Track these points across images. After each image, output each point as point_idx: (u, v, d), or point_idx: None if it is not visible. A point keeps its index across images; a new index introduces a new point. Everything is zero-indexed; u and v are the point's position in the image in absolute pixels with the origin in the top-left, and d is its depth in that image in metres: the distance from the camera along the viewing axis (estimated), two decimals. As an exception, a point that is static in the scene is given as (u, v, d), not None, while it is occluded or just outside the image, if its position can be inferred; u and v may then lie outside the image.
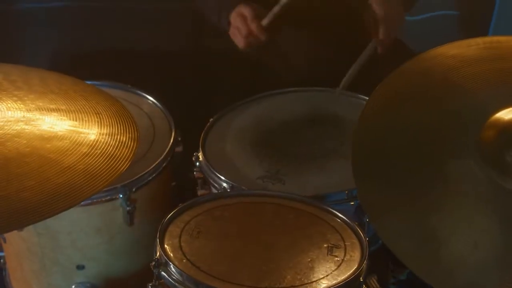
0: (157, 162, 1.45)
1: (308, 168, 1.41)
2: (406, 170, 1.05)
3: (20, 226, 0.89)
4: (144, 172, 1.42)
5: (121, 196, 1.39)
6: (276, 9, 1.62)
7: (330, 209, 1.22)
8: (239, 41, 1.65)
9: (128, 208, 1.40)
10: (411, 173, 1.05)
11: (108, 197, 1.39)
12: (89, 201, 1.38)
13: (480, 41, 1.19)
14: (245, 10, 1.64)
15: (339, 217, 1.21)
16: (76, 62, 2.09)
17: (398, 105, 1.12)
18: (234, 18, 1.66)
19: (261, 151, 1.46)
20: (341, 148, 1.45)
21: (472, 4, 2.44)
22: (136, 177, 1.41)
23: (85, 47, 2.32)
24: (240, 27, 1.63)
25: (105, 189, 1.35)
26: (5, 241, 1.51)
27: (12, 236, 1.46)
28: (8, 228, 0.91)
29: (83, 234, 1.42)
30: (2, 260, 1.61)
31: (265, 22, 1.63)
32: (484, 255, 0.96)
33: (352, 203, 1.33)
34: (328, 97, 1.62)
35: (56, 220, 1.38)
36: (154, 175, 1.45)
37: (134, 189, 1.41)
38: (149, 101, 1.65)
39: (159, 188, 1.49)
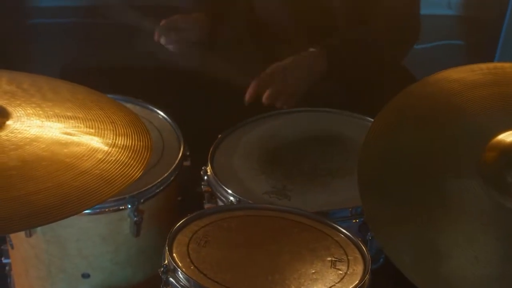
0: (166, 175, 1.48)
1: (313, 185, 1.44)
2: (410, 187, 1.09)
3: (36, 225, 0.92)
4: (153, 184, 1.45)
5: (129, 206, 1.42)
6: None
7: (334, 225, 1.25)
8: None
9: (135, 219, 1.43)
10: (415, 190, 1.08)
11: (117, 207, 1.42)
12: (98, 210, 1.41)
13: (483, 66, 1.24)
14: (180, 16, 1.81)
15: (343, 233, 1.24)
16: (88, 76, 2.13)
17: (403, 126, 1.16)
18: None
19: (268, 167, 1.49)
20: (346, 166, 1.48)
21: (476, 34, 2.50)
22: (145, 188, 1.44)
23: (96, 61, 2.37)
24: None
25: (113, 199, 1.40)
26: (12, 247, 1.53)
27: (20, 243, 1.49)
28: (26, 226, 0.94)
29: (90, 243, 1.44)
30: (7, 267, 1.63)
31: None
32: (485, 271, 0.99)
33: (355, 220, 1.36)
34: (334, 118, 1.66)
35: (65, 227, 1.41)
36: (162, 187, 1.48)
37: (142, 200, 1.44)
38: (159, 116, 1.69)
39: (166, 200, 1.52)
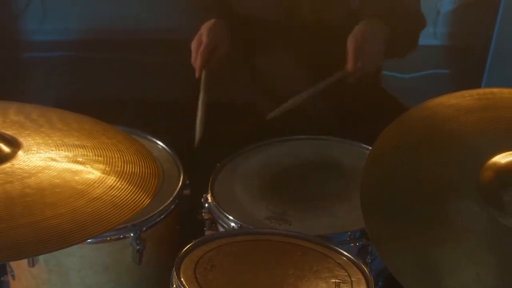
0: (167, 203, 1.51)
1: (312, 211, 1.47)
2: (411, 208, 1.13)
3: (52, 250, 0.94)
4: (154, 213, 1.48)
5: (132, 235, 1.44)
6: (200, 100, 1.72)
7: (336, 248, 1.29)
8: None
9: (138, 247, 1.45)
10: (416, 210, 1.12)
11: (119, 236, 1.44)
12: (100, 239, 1.43)
13: (474, 92, 1.30)
14: (205, 36, 1.73)
15: (345, 255, 1.27)
16: (85, 109, 2.17)
17: (402, 149, 1.21)
18: (197, 35, 1.76)
19: (268, 194, 1.53)
20: (344, 192, 1.52)
21: (462, 63, 2.57)
22: (147, 217, 1.47)
23: (93, 95, 2.40)
24: (193, 49, 1.75)
25: (116, 227, 1.42)
26: (14, 278, 1.54)
27: (22, 273, 1.50)
28: (42, 251, 0.97)
29: (92, 272, 1.46)
30: (7, 299, 1.63)
31: (203, 76, 1.73)
32: (486, 285, 1.03)
33: (354, 244, 1.39)
34: (331, 145, 1.70)
35: (68, 256, 1.43)
36: (163, 216, 1.50)
37: (144, 229, 1.46)
38: (158, 146, 1.73)
39: (167, 228, 1.54)
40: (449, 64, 2.58)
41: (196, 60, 1.74)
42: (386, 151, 1.20)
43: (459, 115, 1.23)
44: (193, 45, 1.76)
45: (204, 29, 1.76)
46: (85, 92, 2.50)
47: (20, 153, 1.13)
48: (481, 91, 1.32)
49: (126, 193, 1.10)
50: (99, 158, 1.16)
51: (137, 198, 1.09)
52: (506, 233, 1.05)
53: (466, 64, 2.57)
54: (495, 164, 1.13)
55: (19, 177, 1.06)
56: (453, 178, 1.14)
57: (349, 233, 1.39)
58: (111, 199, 1.07)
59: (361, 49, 1.66)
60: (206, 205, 1.51)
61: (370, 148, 1.28)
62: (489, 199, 1.09)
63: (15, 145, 1.14)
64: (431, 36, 2.54)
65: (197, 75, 1.74)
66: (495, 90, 1.31)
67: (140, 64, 2.55)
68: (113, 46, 2.58)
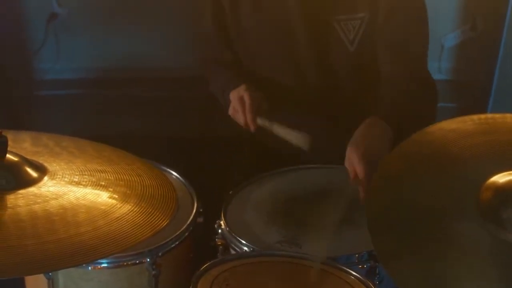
0: (182, 228, 1.56)
1: (322, 234, 1.53)
2: (416, 228, 1.18)
3: (81, 263, 1.01)
4: (170, 238, 1.54)
5: (148, 260, 1.50)
6: (275, 128, 1.70)
7: (344, 268, 1.34)
8: (239, 122, 1.78)
9: (154, 272, 1.50)
10: (420, 230, 1.18)
11: (135, 261, 1.50)
12: (117, 264, 1.49)
13: (475, 117, 1.36)
14: (245, 96, 1.73)
15: (353, 275, 1.33)
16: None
17: (406, 171, 1.27)
18: (234, 99, 1.76)
19: (278, 219, 1.59)
20: (352, 216, 1.57)
21: (467, 97, 2.63)
22: (162, 242, 1.52)
23: (106, 131, 2.46)
24: (239, 111, 1.75)
25: (133, 252, 1.48)
26: (33, 304, 1.59)
27: (42, 298, 1.55)
28: (71, 264, 1.03)
29: (109, 296, 1.51)
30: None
31: (259, 122, 1.73)
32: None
33: (362, 266, 1.44)
34: (338, 173, 1.75)
35: (86, 281, 1.48)
36: (177, 242, 1.56)
37: (160, 254, 1.52)
38: (172, 176, 1.79)
39: (182, 254, 1.60)
40: (454, 98, 2.64)
41: (246, 118, 1.74)
42: (391, 174, 1.26)
43: (460, 139, 1.29)
44: (236, 106, 1.76)
45: (242, 91, 1.76)
46: (98, 128, 2.56)
47: (47, 177, 1.20)
48: (482, 116, 1.38)
49: (146, 214, 1.17)
50: (120, 182, 1.23)
51: (156, 219, 1.16)
52: (507, 249, 1.11)
53: (471, 97, 2.62)
54: (494, 183, 1.19)
55: (47, 198, 1.13)
56: (455, 198, 1.19)
57: (356, 255, 1.45)
58: (132, 219, 1.13)
59: (367, 158, 1.57)
60: (219, 231, 1.57)
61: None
62: (489, 217, 1.14)
63: (42, 170, 1.21)
64: (436, 70, 2.60)
65: (252, 129, 1.73)
66: (497, 115, 1.37)
67: (151, 101, 2.62)
68: (124, 84, 2.66)
